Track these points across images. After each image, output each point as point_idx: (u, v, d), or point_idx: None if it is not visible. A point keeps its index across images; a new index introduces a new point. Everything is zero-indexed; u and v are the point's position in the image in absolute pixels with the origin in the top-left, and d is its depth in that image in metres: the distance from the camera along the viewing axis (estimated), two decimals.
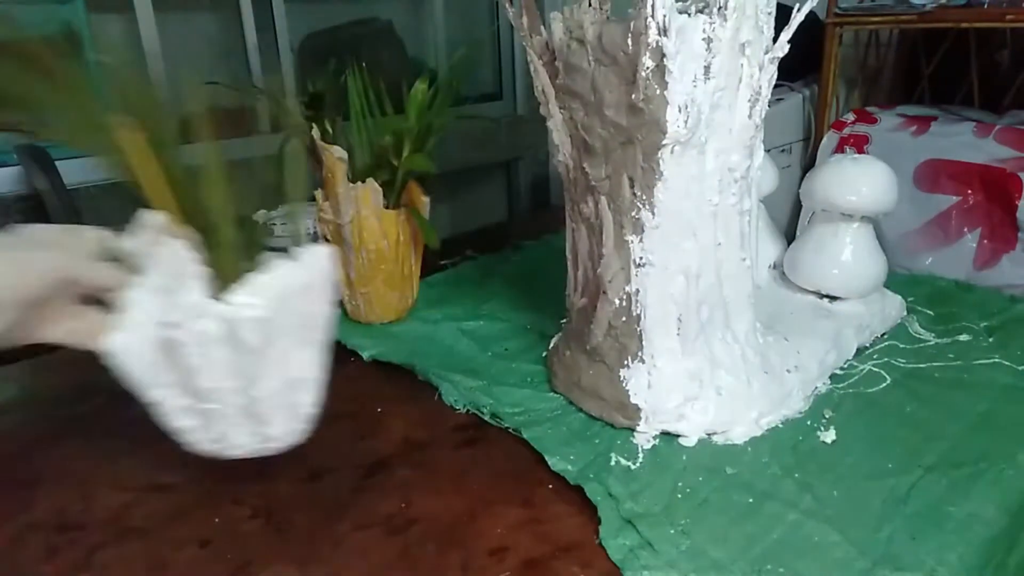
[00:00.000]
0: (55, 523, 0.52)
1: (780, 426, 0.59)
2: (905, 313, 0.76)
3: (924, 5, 1.26)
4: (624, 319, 0.59)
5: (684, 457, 0.56)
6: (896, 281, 0.85)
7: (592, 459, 0.55)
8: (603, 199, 0.58)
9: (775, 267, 0.78)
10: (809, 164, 1.48)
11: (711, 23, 0.51)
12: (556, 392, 0.65)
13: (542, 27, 0.60)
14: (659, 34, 0.51)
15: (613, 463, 0.55)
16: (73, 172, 1.66)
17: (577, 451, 0.56)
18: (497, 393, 0.65)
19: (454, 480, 0.55)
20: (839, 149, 1.38)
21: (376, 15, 2.21)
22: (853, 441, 0.57)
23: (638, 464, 0.55)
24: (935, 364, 0.67)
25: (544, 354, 0.72)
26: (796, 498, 0.51)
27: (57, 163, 1.61)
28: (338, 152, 0.73)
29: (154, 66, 1.82)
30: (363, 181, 0.75)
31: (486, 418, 0.62)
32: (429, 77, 0.77)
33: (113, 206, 1.78)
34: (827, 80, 1.38)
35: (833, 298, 0.73)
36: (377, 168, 0.78)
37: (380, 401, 0.66)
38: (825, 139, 1.40)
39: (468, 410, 0.63)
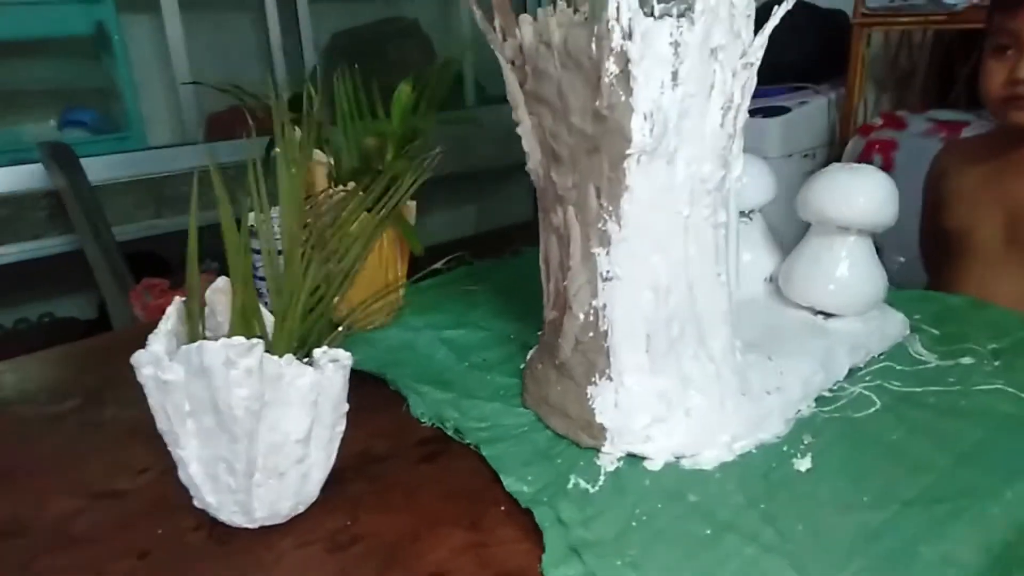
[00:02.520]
0: (2, 528, 0.52)
1: (754, 451, 0.56)
2: (907, 332, 0.72)
3: (955, 5, 1.20)
4: (591, 334, 0.57)
5: (647, 482, 0.53)
6: (903, 297, 0.81)
7: (551, 480, 0.53)
8: (571, 209, 0.56)
9: (771, 280, 0.75)
10: None
11: (679, 26, 0.49)
12: (526, 407, 0.63)
13: (517, 30, 0.58)
14: (623, 38, 0.48)
15: (571, 485, 0.53)
16: (98, 169, 1.70)
17: (537, 471, 0.54)
18: (465, 406, 0.63)
19: (407, 497, 0.54)
20: (865, 154, 1.33)
21: (402, 14, 2.21)
22: (829, 470, 0.53)
23: (597, 487, 0.53)
24: (931, 388, 0.63)
25: (523, 366, 0.70)
26: (757, 530, 0.48)
27: (83, 160, 1.64)
28: (318, 155, 0.72)
29: (179, 65, 1.85)
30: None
31: (449, 433, 0.60)
32: (413, 79, 0.75)
33: (135, 203, 1.82)
34: (853, 82, 1.33)
35: (828, 315, 0.69)
36: (364, 171, 0.77)
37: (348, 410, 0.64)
38: (850, 144, 1.35)
39: (433, 423, 0.62)
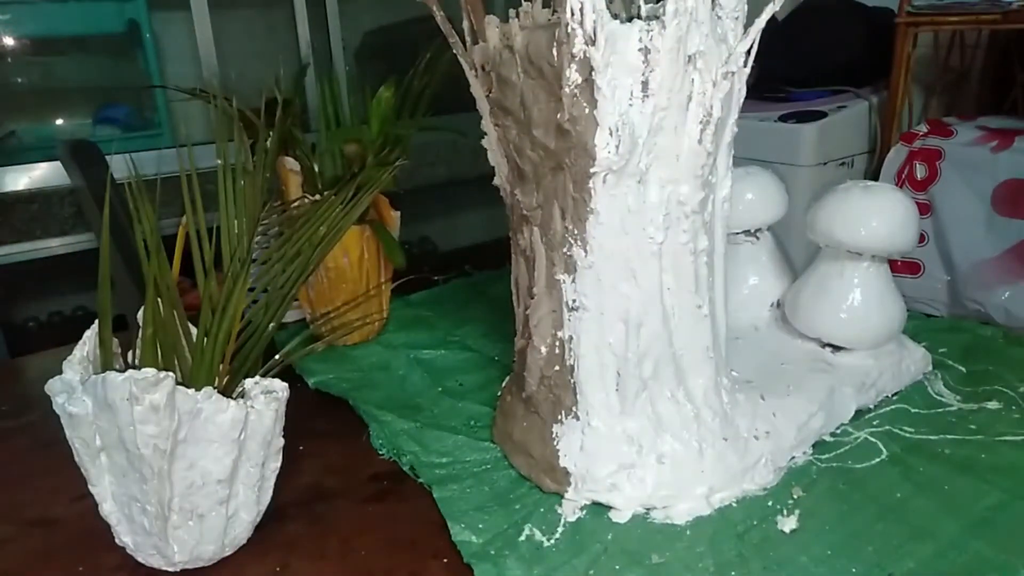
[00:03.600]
0: None
1: (734, 505, 0.50)
2: (929, 368, 0.65)
3: (1011, 3, 1.10)
4: (557, 368, 0.52)
5: (609, 536, 0.48)
6: (929, 327, 0.74)
7: (503, 530, 0.48)
8: (536, 231, 0.51)
9: (778, 306, 0.68)
10: (873, 180, 1.33)
11: (648, 30, 0.43)
12: (494, 442, 0.58)
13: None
14: (586, 43, 0.43)
15: (524, 537, 0.48)
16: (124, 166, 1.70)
17: (490, 519, 0.49)
18: (427, 439, 0.58)
19: (346, 542, 0.49)
20: (907, 164, 1.24)
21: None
22: (816, 533, 0.47)
23: (553, 541, 0.47)
24: (949, 437, 0.56)
25: (499, 393, 0.65)
26: None
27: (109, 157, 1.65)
28: (290, 163, 0.69)
29: (208, 63, 1.84)
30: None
31: (405, 469, 0.56)
32: (395, 82, 0.71)
33: (164, 200, 1.82)
34: (897, 86, 1.24)
35: (837, 348, 0.62)
36: (346, 179, 0.73)
37: (306, 437, 0.60)
38: (892, 152, 1.25)
39: (391, 457, 0.57)
